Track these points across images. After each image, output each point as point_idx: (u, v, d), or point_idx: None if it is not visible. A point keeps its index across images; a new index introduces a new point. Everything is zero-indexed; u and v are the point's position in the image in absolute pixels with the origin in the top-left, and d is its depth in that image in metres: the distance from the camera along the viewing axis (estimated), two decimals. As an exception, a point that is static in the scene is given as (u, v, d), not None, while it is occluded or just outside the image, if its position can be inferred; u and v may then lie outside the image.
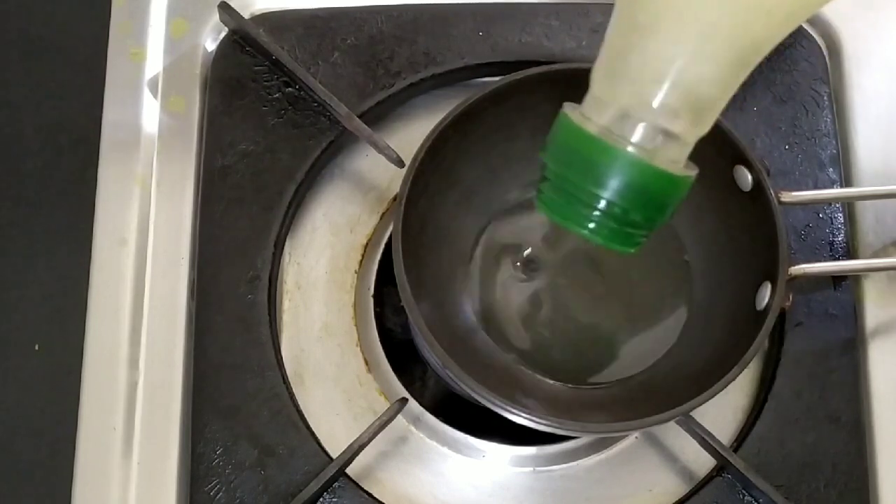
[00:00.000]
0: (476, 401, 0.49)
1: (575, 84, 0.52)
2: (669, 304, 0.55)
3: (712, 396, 0.47)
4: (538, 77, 0.52)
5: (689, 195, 0.53)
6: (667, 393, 0.51)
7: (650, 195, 0.42)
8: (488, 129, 0.53)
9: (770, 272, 0.49)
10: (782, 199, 0.51)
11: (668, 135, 0.40)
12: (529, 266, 0.56)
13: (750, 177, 0.51)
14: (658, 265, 0.56)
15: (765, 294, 0.49)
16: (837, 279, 0.56)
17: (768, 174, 0.51)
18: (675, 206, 0.43)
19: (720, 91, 0.40)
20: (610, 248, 0.43)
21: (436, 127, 0.51)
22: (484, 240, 0.56)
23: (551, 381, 0.53)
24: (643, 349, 0.54)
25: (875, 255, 0.57)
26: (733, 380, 0.47)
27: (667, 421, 0.47)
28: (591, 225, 0.42)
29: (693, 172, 0.43)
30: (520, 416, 0.47)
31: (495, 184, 0.56)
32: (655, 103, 0.39)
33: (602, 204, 0.41)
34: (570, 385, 0.54)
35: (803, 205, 0.55)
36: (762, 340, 0.48)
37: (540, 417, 0.47)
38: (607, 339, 0.55)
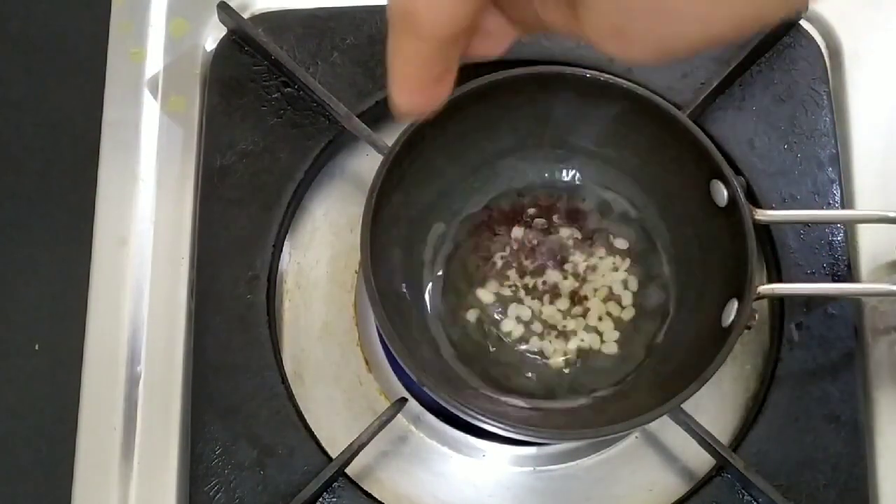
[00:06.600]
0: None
1: (558, 86, 0.52)
2: (649, 313, 0.55)
3: (667, 412, 0.47)
4: (520, 78, 0.51)
5: (667, 207, 0.53)
6: (631, 403, 0.51)
7: None
8: (469, 126, 0.53)
9: (738, 290, 0.49)
10: (756, 218, 0.50)
11: None
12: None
13: (725, 192, 0.50)
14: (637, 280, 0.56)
15: (731, 311, 0.49)
16: (837, 279, 0.56)
17: (746, 190, 0.50)
18: None
19: None
20: None
21: (414, 121, 0.50)
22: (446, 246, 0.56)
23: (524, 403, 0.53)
24: (617, 363, 0.54)
25: (869, 275, 0.57)
26: (690, 396, 0.46)
27: (621, 431, 0.48)
28: None
29: None
30: (505, 429, 0.47)
31: (475, 182, 0.56)
32: None
33: None
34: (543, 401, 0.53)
35: (777, 224, 0.55)
36: (723, 358, 0.47)
37: (528, 429, 0.47)
38: (579, 356, 0.55)
